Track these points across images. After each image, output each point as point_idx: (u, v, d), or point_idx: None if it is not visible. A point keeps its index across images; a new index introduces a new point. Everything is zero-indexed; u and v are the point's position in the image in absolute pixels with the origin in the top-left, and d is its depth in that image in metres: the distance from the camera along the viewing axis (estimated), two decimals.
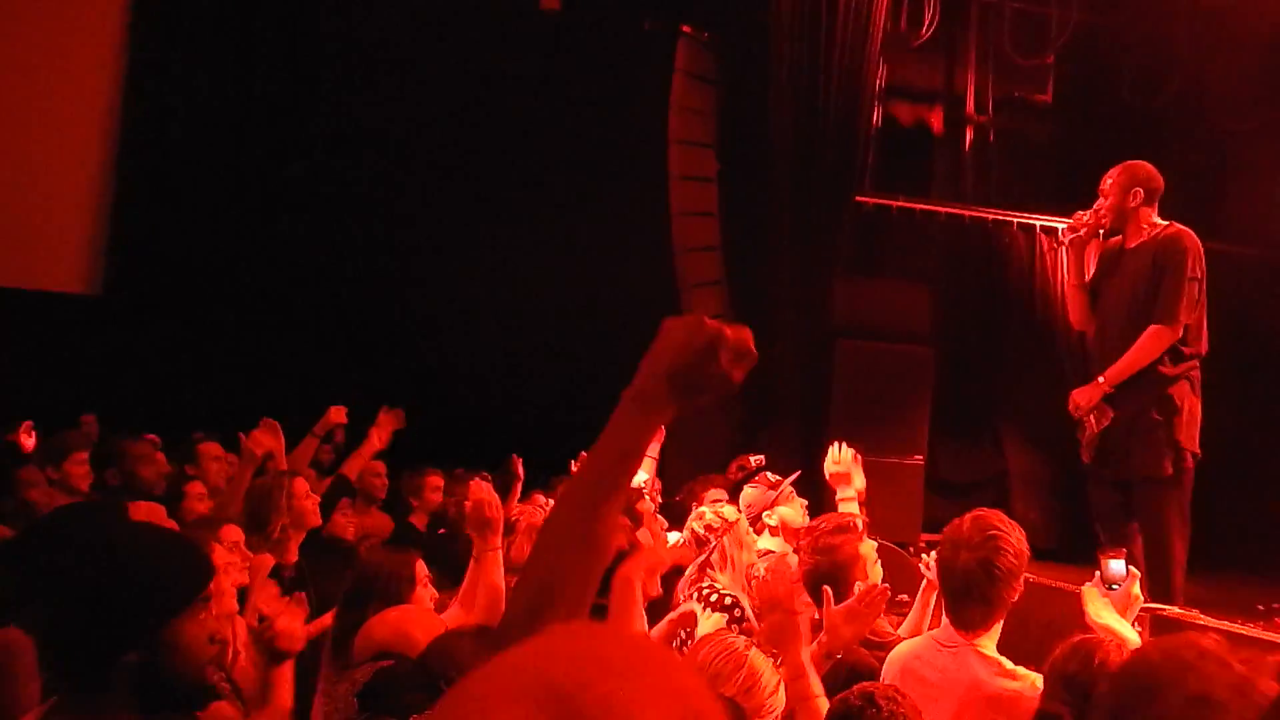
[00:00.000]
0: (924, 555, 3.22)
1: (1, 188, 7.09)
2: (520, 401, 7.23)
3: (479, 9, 7.35)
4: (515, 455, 4.93)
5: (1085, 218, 4.29)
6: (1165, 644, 1.58)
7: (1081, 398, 4.16)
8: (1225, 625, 3.30)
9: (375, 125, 7.34)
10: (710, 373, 1.13)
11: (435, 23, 7.35)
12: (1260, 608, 4.47)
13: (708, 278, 6.79)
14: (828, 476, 3.64)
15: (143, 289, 7.27)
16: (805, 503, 3.92)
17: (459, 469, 5.38)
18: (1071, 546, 5.78)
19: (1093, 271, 4.42)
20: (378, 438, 4.57)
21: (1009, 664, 2.27)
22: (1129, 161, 4.27)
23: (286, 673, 2.37)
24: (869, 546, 2.91)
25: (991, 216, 7.27)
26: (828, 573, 2.76)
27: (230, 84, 7.40)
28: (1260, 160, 7.36)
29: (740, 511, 3.61)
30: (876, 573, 2.91)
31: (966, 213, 7.28)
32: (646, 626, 2.92)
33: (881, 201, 7.12)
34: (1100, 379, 4.10)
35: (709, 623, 2.92)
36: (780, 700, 2.06)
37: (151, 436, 4.82)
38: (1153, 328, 4.05)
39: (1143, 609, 2.55)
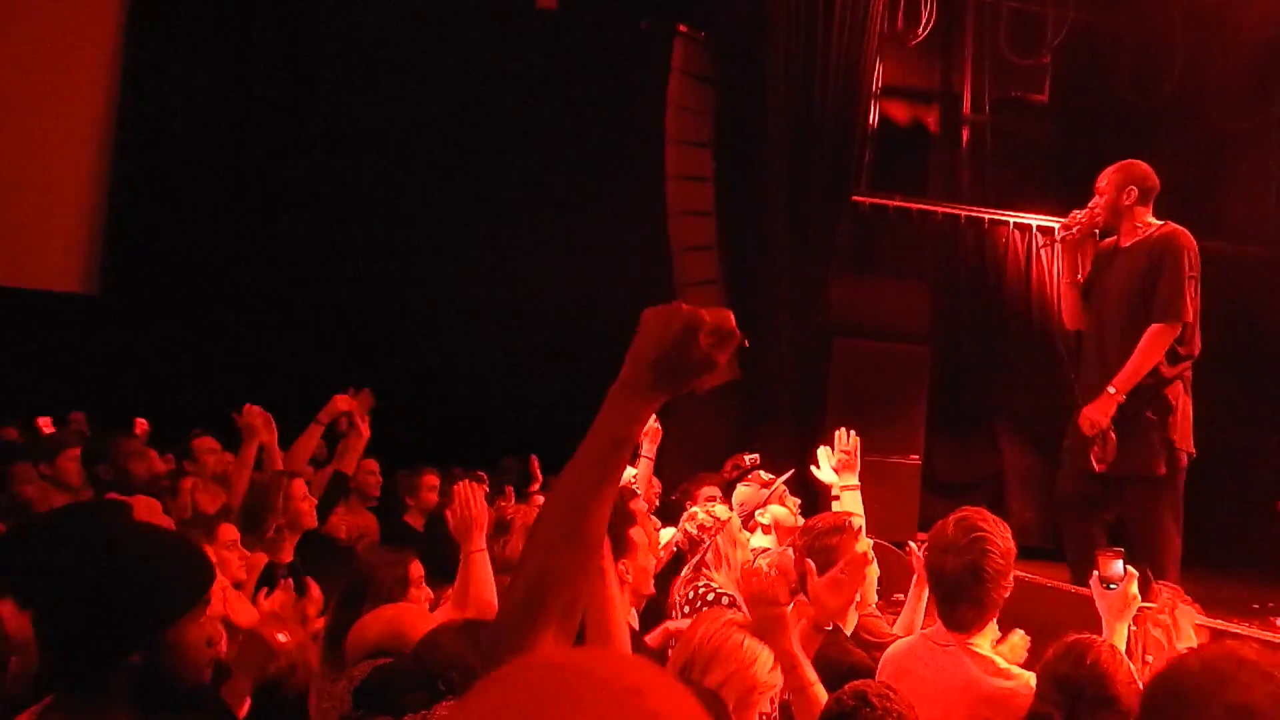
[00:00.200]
0: (911, 544, 3.20)
1: None
2: (518, 400, 7.23)
3: (475, 8, 7.35)
4: (533, 456, 4.97)
5: (1080, 216, 4.30)
6: (1205, 654, 1.56)
7: (1096, 413, 4.06)
8: (1220, 624, 3.31)
9: (371, 124, 7.34)
10: (692, 356, 1.13)
11: (432, 22, 7.35)
12: (1255, 606, 4.50)
13: (705, 277, 6.79)
14: (832, 463, 3.56)
15: (139, 288, 7.26)
16: (798, 501, 3.93)
17: (456, 468, 5.39)
18: None
19: (1087, 270, 4.42)
20: (363, 427, 4.55)
21: (1002, 663, 2.28)
22: (1124, 160, 4.28)
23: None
24: (865, 545, 2.91)
25: (988, 216, 7.29)
26: (824, 574, 2.75)
27: (227, 83, 7.39)
28: (1256, 159, 7.37)
29: (733, 510, 3.61)
30: (873, 573, 2.91)
31: (963, 212, 7.30)
32: (630, 624, 2.92)
33: (878, 201, 7.14)
34: (1111, 389, 4.03)
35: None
36: (778, 678, 2.07)
37: (140, 421, 4.83)
38: (1154, 327, 4.05)
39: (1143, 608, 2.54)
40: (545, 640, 1.07)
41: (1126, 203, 4.19)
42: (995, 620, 2.42)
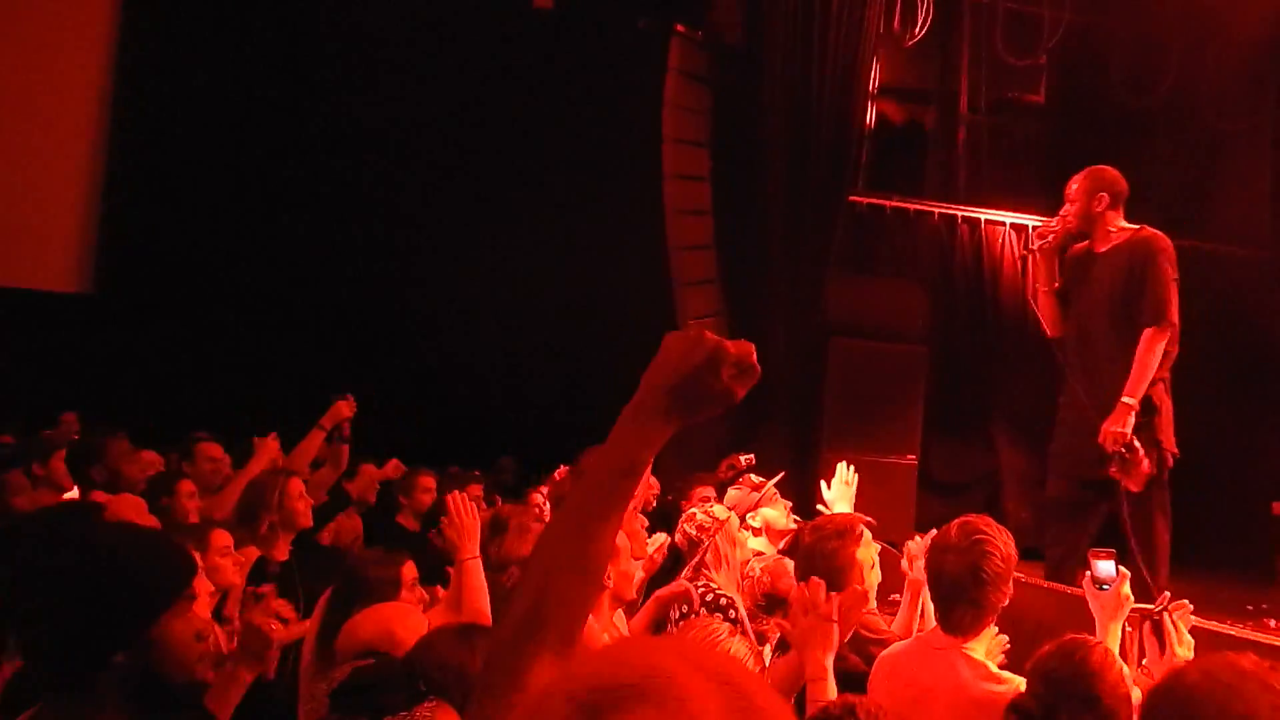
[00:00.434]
0: (909, 544, 3.20)
1: None
2: (516, 399, 7.23)
3: (473, 8, 7.34)
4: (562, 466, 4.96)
5: (1053, 224, 4.31)
6: (1203, 665, 1.53)
7: (1117, 426, 3.95)
8: (1214, 626, 3.31)
9: (368, 123, 7.32)
10: (711, 388, 1.11)
11: (430, 22, 7.34)
12: (1250, 608, 4.50)
13: (702, 276, 6.79)
14: (831, 491, 3.56)
15: (135, 287, 7.24)
16: (789, 504, 3.92)
17: (453, 467, 5.38)
18: None
19: (1061, 279, 4.41)
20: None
21: (995, 668, 2.28)
22: (1093, 166, 4.29)
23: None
24: (871, 551, 2.90)
25: (984, 216, 7.30)
26: (823, 576, 2.74)
27: (224, 81, 7.37)
28: (1251, 160, 7.39)
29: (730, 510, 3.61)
30: (874, 577, 2.90)
31: (960, 212, 7.31)
32: (617, 627, 2.92)
33: (875, 201, 7.15)
34: (1126, 400, 3.98)
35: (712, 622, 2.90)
36: None
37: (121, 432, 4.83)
38: (1147, 332, 4.03)
39: (1137, 609, 2.54)
40: (542, 665, 1.03)
41: (1098, 209, 4.19)
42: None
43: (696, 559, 3.30)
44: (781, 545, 3.62)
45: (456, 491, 2.87)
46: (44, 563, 1.64)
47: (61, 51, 7.40)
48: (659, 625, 3.15)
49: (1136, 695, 1.92)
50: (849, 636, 2.70)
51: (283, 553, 3.59)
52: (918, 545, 3.08)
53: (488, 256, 7.27)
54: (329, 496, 4.47)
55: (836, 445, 5.86)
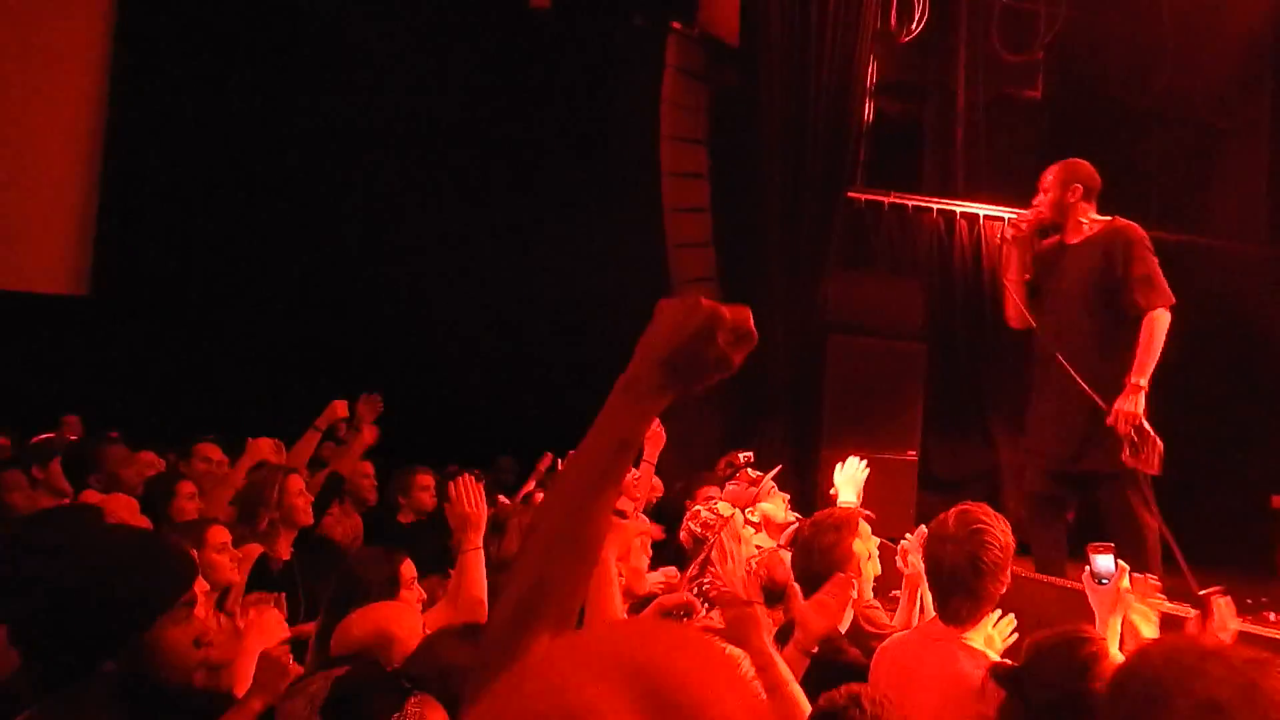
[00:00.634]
0: (903, 540, 3.20)
1: None
2: (513, 399, 7.22)
3: (469, 8, 7.34)
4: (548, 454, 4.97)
5: (1027, 214, 4.31)
6: (1166, 646, 1.51)
7: (1129, 407, 3.88)
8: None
9: (365, 123, 7.32)
10: (708, 355, 1.06)
11: (426, 21, 7.34)
12: (1249, 601, 4.49)
13: (700, 273, 6.79)
14: (840, 475, 3.55)
15: (132, 289, 7.23)
16: (787, 497, 3.92)
17: (452, 466, 5.38)
18: None
19: (1032, 270, 4.40)
20: (369, 432, 4.58)
21: (994, 657, 2.28)
22: (1068, 159, 4.30)
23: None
24: (869, 543, 2.90)
25: (982, 212, 7.30)
26: (820, 569, 2.75)
27: (219, 82, 7.36)
28: (1246, 156, 7.39)
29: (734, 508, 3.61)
30: (871, 569, 2.90)
31: (957, 208, 7.31)
32: (624, 613, 2.91)
33: (873, 197, 7.14)
34: (1133, 380, 3.93)
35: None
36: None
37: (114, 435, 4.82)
38: (1152, 313, 4.01)
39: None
40: (540, 645, 1.01)
41: (1071, 200, 4.19)
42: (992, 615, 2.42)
43: (702, 556, 3.30)
44: (782, 540, 3.62)
45: (464, 475, 2.85)
46: (33, 568, 1.63)
47: (59, 54, 7.39)
48: None
49: None
50: (848, 629, 2.71)
51: (284, 551, 3.59)
52: (912, 541, 3.08)
53: (486, 256, 7.27)
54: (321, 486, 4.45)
55: (836, 442, 5.85)
